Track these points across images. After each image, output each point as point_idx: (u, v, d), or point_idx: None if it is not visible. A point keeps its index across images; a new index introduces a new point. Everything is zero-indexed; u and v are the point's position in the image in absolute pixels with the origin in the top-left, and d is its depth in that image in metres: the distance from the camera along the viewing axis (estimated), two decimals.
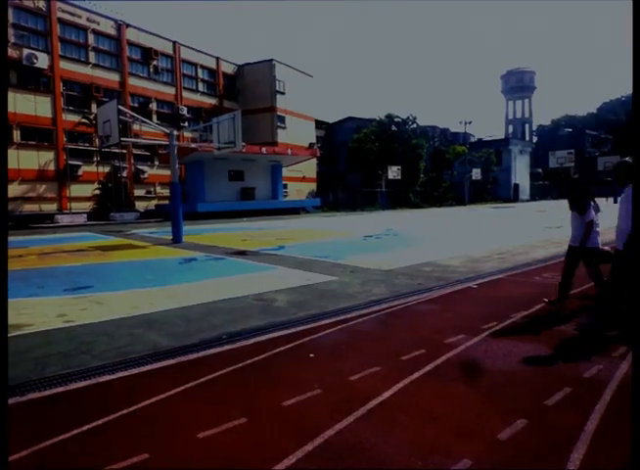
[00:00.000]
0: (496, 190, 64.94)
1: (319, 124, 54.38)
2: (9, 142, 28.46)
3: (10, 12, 28.61)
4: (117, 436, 2.88)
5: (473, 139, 73.54)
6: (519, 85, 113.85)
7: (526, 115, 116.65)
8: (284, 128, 44.26)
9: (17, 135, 29.03)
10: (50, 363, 4.15)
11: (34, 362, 4.19)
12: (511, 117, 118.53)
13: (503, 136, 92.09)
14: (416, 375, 3.73)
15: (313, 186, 48.24)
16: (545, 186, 75.77)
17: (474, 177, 56.24)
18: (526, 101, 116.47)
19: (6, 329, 3.08)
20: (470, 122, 62.01)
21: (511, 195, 65.54)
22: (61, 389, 3.61)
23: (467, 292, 6.98)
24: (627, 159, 5.14)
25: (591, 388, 3.45)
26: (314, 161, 46.19)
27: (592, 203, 5.61)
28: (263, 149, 33.25)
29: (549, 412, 3.09)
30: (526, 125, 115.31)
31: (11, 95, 28.48)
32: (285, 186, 41.30)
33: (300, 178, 45.29)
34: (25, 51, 28.77)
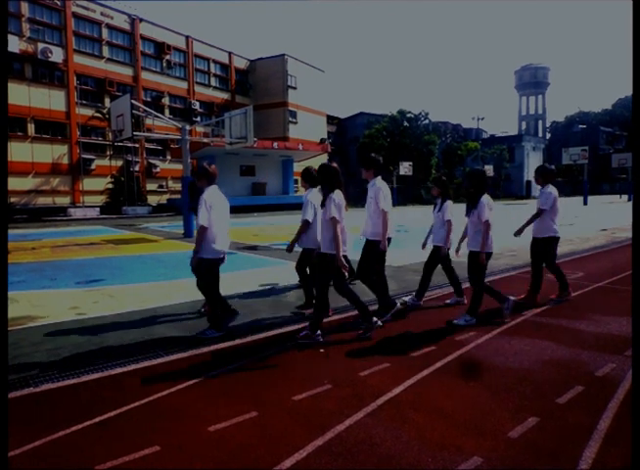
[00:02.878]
0: (508, 187, 64.38)
1: (330, 119, 54.30)
2: (23, 136, 28.77)
3: (25, 6, 28.87)
4: (129, 428, 2.91)
5: (485, 135, 72.98)
6: (532, 81, 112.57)
7: (540, 111, 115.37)
8: (295, 123, 44.24)
9: (31, 129, 29.34)
10: (62, 355, 4.20)
11: (47, 354, 4.24)
12: (524, 113, 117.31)
13: (516, 132, 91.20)
14: (426, 372, 3.72)
15: None
16: (558, 183, 74.70)
17: (486, 174, 55.74)
18: (540, 97, 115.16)
19: (6, 329, 3.10)
20: (482, 118, 61.57)
21: (523, 192, 64.94)
22: (73, 380, 3.65)
23: None
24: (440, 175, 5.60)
25: (604, 386, 3.42)
26: (325, 156, 46.11)
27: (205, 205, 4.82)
28: (275, 144, 33.26)
29: (561, 411, 3.06)
30: (540, 122, 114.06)
31: (25, 89, 28.77)
32: (296, 181, 41.29)
33: None
34: (40, 45, 29.04)
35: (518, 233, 6.02)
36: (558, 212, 5.99)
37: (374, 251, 5.33)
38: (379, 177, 5.52)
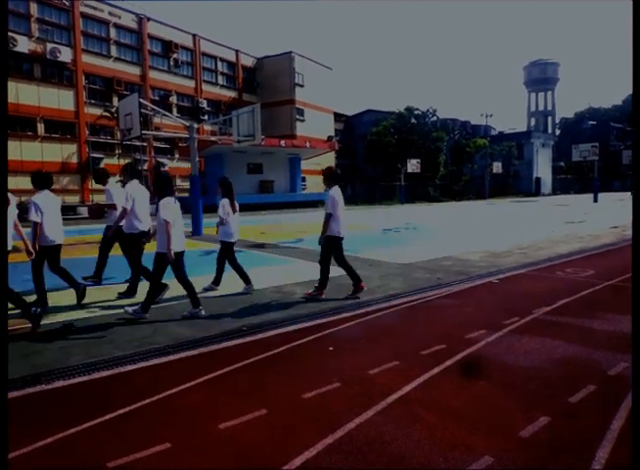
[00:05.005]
0: (517, 184, 63.96)
1: (338, 117, 54.17)
2: (33, 135, 28.99)
3: (34, 7, 29.04)
4: (140, 425, 2.92)
5: (494, 132, 72.39)
6: (542, 77, 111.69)
7: (549, 107, 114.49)
8: (303, 121, 44.19)
9: (41, 128, 29.53)
10: (74, 353, 4.23)
11: (59, 351, 4.27)
12: (533, 109, 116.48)
13: (525, 129, 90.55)
14: (436, 370, 3.70)
15: None
16: (568, 180, 74.33)
17: (494, 171, 55.37)
18: (549, 93, 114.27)
19: (6, 329, 3.10)
20: (491, 115, 61.11)
21: (532, 189, 64.44)
22: (85, 378, 3.67)
23: (488, 287, 6.90)
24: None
25: (617, 386, 3.38)
26: (333, 154, 46.03)
27: None
28: (282, 142, 33.24)
29: (573, 410, 3.03)
30: (549, 118, 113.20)
31: (35, 88, 28.97)
32: (303, 179, 41.27)
33: (319, 171, 45.16)
34: (49, 45, 29.19)
35: (320, 241, 6.35)
36: (341, 214, 6.28)
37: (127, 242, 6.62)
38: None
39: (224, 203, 6.69)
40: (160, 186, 5.47)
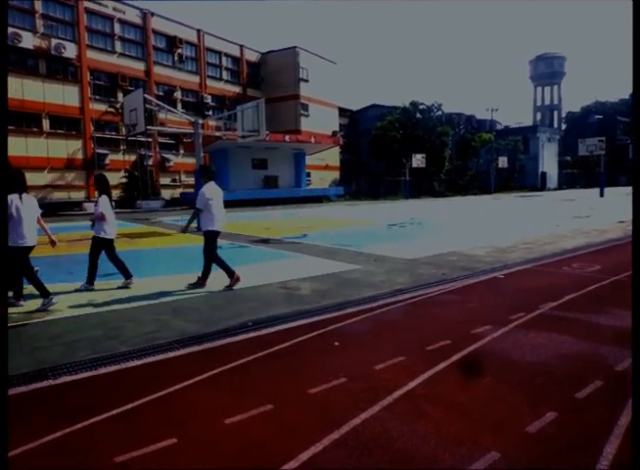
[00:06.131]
0: (523, 178, 63.60)
1: (342, 112, 53.95)
2: (39, 131, 29.07)
3: (39, 2, 29.04)
4: (146, 420, 2.93)
5: (499, 126, 71.95)
6: (548, 71, 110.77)
7: (555, 101, 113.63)
8: (307, 116, 44.08)
9: (46, 124, 29.58)
10: (80, 348, 4.25)
11: (65, 347, 4.29)
12: (539, 103, 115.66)
13: (531, 123, 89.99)
14: (442, 366, 3.69)
15: (336, 174, 48.04)
16: (574, 174, 73.86)
17: (500, 165, 55.07)
18: (555, 87, 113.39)
19: (6, 328, 3.10)
20: (496, 109, 60.66)
21: (538, 183, 64.09)
22: (90, 373, 3.69)
23: (493, 282, 6.88)
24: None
25: (624, 381, 3.36)
26: (337, 149, 45.94)
27: None
28: (287, 137, 33.18)
29: (580, 405, 3.02)
30: (555, 112, 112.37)
31: (40, 85, 29.02)
32: (308, 174, 41.21)
33: (323, 166, 45.12)
34: (54, 41, 29.18)
35: (184, 230, 7.08)
36: (215, 209, 6.71)
37: None
38: None
39: (104, 201, 6.77)
40: (9, 182, 5.64)
